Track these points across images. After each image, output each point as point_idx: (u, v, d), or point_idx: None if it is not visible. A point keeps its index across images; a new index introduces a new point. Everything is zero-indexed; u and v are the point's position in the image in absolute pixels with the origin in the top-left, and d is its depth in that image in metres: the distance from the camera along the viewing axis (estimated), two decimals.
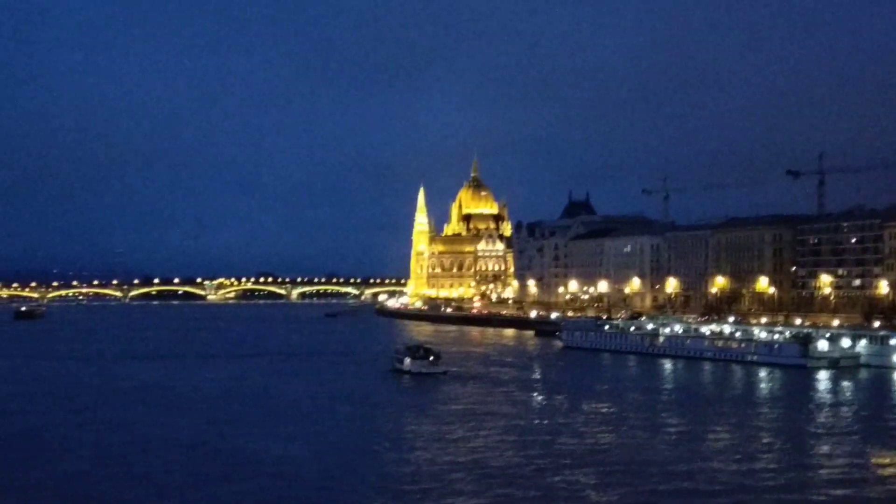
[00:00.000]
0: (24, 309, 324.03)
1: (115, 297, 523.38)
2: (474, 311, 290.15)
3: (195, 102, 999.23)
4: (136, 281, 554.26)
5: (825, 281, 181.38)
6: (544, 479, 54.85)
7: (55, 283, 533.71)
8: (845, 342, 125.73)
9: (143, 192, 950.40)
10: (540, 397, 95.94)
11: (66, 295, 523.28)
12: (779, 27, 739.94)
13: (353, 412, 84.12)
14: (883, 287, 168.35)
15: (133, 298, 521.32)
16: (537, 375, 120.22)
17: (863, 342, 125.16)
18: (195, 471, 57.13)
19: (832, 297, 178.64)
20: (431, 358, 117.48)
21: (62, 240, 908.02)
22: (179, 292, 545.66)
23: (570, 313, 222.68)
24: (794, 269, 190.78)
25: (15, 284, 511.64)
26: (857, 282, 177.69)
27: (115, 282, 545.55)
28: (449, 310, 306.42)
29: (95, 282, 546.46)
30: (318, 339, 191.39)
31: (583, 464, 59.23)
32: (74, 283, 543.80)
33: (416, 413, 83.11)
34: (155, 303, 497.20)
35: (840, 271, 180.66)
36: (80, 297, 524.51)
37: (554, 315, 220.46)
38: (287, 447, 64.73)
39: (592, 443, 67.21)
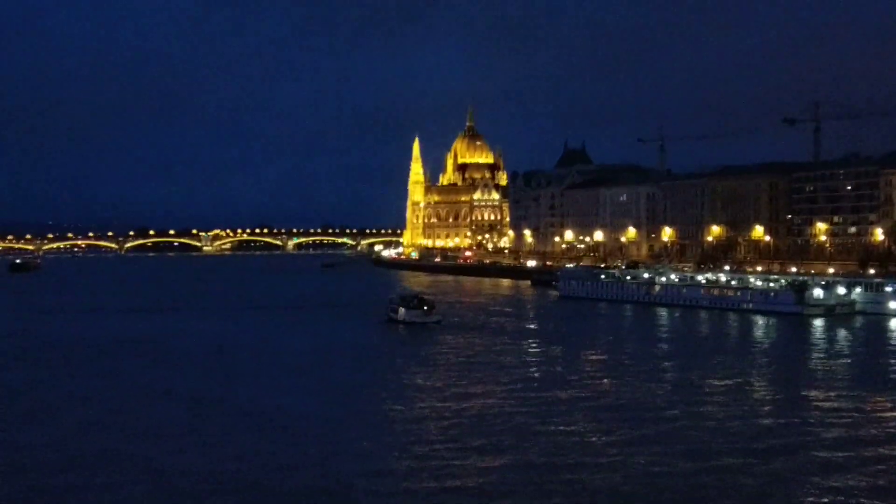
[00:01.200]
0: (18, 261, 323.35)
1: (111, 248, 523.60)
2: (460, 260, 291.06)
3: (195, 51, 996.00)
4: (131, 233, 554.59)
5: (821, 228, 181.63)
6: (544, 427, 55.14)
7: (50, 235, 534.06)
8: (840, 290, 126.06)
9: (140, 144, 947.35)
10: (536, 346, 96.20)
11: (62, 247, 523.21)
12: None
13: (351, 364, 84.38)
14: (878, 234, 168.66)
15: (128, 250, 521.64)
16: (533, 325, 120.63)
17: (858, 289, 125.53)
18: (197, 425, 57.12)
19: (828, 245, 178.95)
20: (425, 307, 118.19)
21: (57, 191, 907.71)
22: (175, 244, 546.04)
23: (568, 263, 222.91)
24: (789, 216, 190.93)
25: (10, 236, 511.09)
26: (853, 229, 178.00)
27: (110, 233, 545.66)
28: (437, 259, 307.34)
29: (91, 233, 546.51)
30: (314, 290, 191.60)
31: (579, 412, 59.57)
32: (70, 234, 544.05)
33: (414, 364, 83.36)
34: (151, 254, 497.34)
35: (835, 219, 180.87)
36: (76, 249, 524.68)
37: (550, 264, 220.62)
38: (288, 400, 64.84)
39: (589, 392, 67.43)
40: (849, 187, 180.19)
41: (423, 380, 74.18)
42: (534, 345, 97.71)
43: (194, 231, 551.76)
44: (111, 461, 48.51)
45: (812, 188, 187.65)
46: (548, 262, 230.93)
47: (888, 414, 59.83)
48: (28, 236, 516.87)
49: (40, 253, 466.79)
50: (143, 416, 59.80)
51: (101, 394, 68.61)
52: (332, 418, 58.80)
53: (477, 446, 50.73)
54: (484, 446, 50.74)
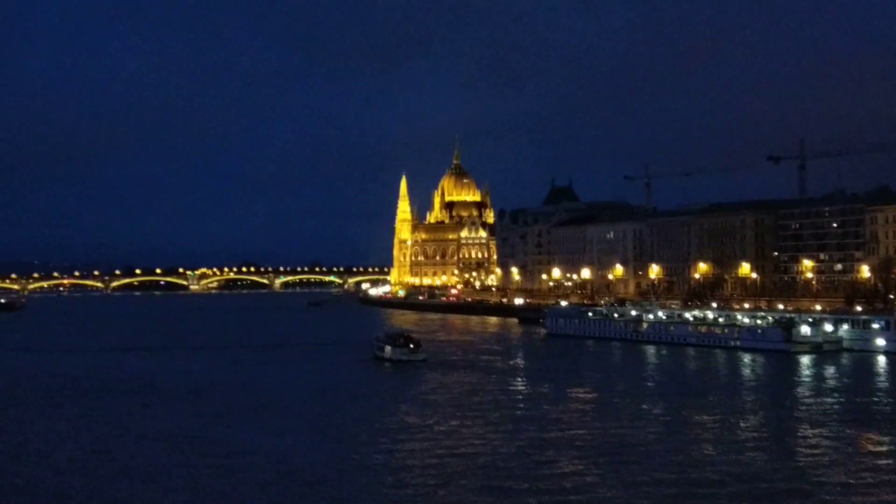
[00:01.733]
0: (2, 301, 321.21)
1: (97, 287, 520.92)
2: (443, 298, 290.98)
3: (181, 89, 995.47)
4: (117, 271, 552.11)
5: (807, 265, 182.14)
6: (533, 468, 54.70)
7: (36, 275, 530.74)
8: (827, 327, 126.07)
9: (126, 181, 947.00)
10: (525, 385, 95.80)
11: (47, 286, 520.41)
12: (760, 14, 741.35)
13: (338, 403, 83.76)
14: (864, 271, 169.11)
15: (115, 289, 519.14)
16: (521, 363, 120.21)
17: (845, 326, 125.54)
18: (183, 466, 56.37)
19: (814, 282, 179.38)
20: (412, 346, 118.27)
21: (43, 230, 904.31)
22: (162, 282, 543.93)
23: (555, 301, 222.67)
24: (776, 254, 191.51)
25: None
26: (839, 266, 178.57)
27: (96, 272, 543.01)
28: (420, 297, 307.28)
29: (77, 273, 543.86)
30: (301, 329, 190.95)
31: (569, 452, 59.21)
32: (55, 274, 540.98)
33: (403, 403, 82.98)
34: (137, 293, 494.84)
35: (822, 256, 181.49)
36: (62, 289, 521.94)
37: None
38: (276, 440, 64.25)
39: (578, 431, 66.99)
40: (834, 224, 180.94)
41: (413, 419, 73.62)
42: (522, 383, 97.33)
43: (181, 270, 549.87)
44: (95, 500, 47.92)
45: (798, 225, 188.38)
46: (531, 301, 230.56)
47: (877, 452, 59.59)
48: (13, 276, 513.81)
49: (26, 292, 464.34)
50: (127, 457, 59.09)
51: (85, 434, 67.91)
52: (319, 460, 58.17)
53: (467, 488, 50.21)
54: (475, 488, 50.19)
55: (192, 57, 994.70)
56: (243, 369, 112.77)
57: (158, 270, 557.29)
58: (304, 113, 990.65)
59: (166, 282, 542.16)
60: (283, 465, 56.05)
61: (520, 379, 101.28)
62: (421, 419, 73.39)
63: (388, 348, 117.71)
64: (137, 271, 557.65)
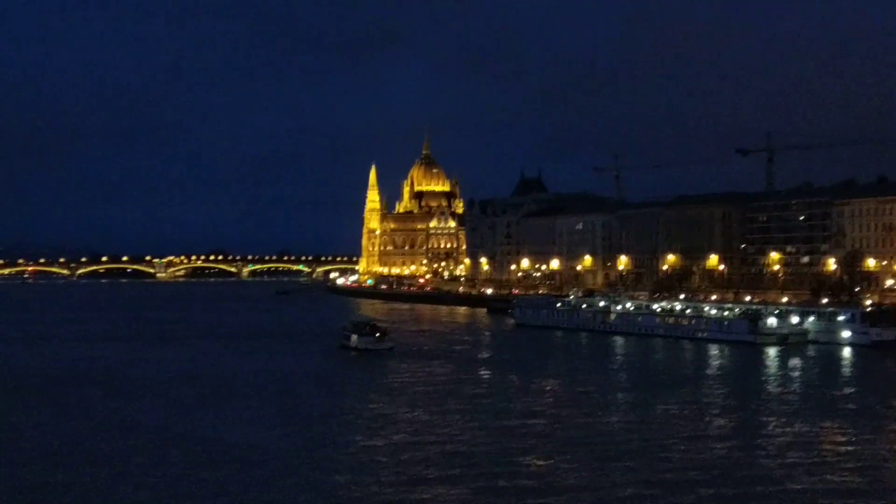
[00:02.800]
0: None
1: (63, 275, 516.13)
2: (404, 288, 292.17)
3: (152, 76, 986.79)
4: (83, 259, 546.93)
5: (774, 258, 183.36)
6: (503, 458, 54.65)
7: (0, 261, 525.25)
8: (794, 319, 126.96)
9: (93, 168, 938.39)
10: (492, 375, 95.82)
11: (11, 273, 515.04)
12: (729, 8, 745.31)
13: (305, 392, 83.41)
14: (831, 264, 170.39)
15: (81, 276, 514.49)
16: (489, 353, 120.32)
17: (811, 318, 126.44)
18: (152, 457, 55.55)
19: (781, 274, 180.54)
20: (377, 334, 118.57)
21: (7, 216, 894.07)
22: (128, 270, 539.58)
23: (521, 291, 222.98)
24: (743, 246, 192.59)
25: None
26: (806, 258, 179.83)
27: (62, 259, 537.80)
28: (382, 287, 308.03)
29: (42, 259, 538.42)
30: (269, 318, 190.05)
31: (539, 442, 59.25)
32: (20, 260, 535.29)
33: (370, 392, 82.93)
34: (103, 281, 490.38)
35: (788, 248, 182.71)
36: (26, 276, 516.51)
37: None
38: (245, 431, 63.72)
39: (547, 421, 67.05)
40: (801, 217, 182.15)
41: (383, 409, 73.46)
42: (490, 373, 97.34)
43: (148, 258, 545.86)
44: (66, 494, 47.28)
45: (765, 218, 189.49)
46: (508, 291, 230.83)
47: (841, 442, 60.01)
48: None
49: None
50: (97, 448, 58.28)
51: (54, 425, 66.85)
52: (289, 450, 57.63)
53: (434, 477, 50.11)
54: (443, 478, 50.06)
55: (163, 44, 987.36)
56: (211, 359, 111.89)
57: (125, 258, 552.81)
58: (275, 102, 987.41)
59: (133, 269, 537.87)
60: (253, 456, 55.53)
61: (488, 369, 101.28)
62: (388, 409, 73.20)
63: (354, 337, 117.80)
64: (104, 259, 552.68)
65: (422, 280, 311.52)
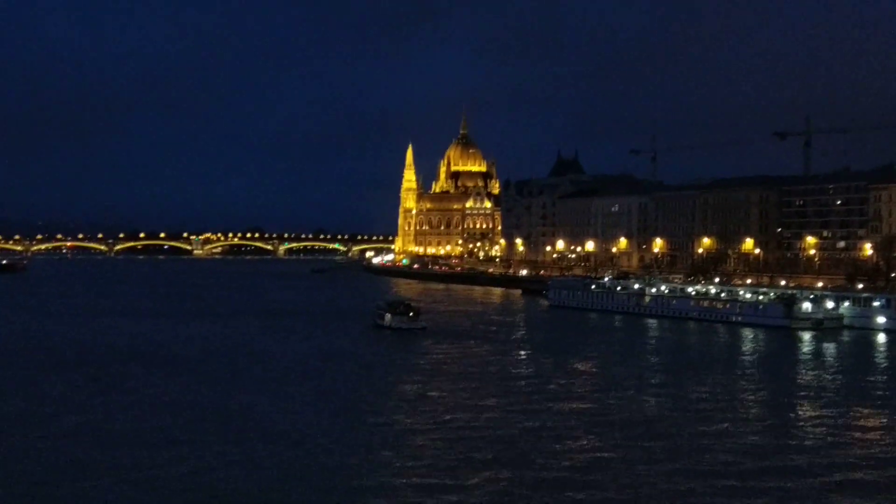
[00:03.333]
0: (4, 262, 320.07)
1: (100, 250, 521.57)
2: (436, 268, 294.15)
3: (192, 53, 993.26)
4: (121, 235, 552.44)
5: (810, 242, 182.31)
6: (539, 441, 55.28)
7: (39, 236, 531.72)
8: (829, 304, 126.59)
9: (132, 144, 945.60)
10: (526, 356, 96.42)
11: (50, 248, 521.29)
12: None
13: (340, 370, 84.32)
14: (867, 249, 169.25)
15: (118, 252, 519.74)
16: (522, 334, 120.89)
17: (846, 304, 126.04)
18: (189, 433, 56.60)
19: (817, 259, 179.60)
20: (411, 314, 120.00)
21: (48, 192, 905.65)
22: (165, 247, 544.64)
23: (556, 272, 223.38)
24: (779, 230, 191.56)
25: None
26: (842, 243, 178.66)
27: (100, 235, 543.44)
28: (415, 266, 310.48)
29: (80, 235, 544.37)
30: (304, 297, 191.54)
31: (574, 426, 59.72)
32: (59, 236, 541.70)
33: (405, 372, 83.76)
34: (140, 257, 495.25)
35: (825, 233, 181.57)
36: (65, 251, 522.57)
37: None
38: (282, 409, 64.48)
39: (582, 405, 67.51)
40: (838, 202, 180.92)
41: (418, 389, 73.99)
42: (524, 355, 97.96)
43: (185, 234, 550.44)
44: (103, 469, 48.25)
45: (802, 202, 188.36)
46: (543, 272, 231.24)
47: (875, 428, 60.20)
48: (17, 237, 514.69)
49: (29, 254, 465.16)
50: (134, 424, 59.29)
51: (91, 400, 67.98)
52: (323, 429, 58.47)
53: (470, 461, 50.61)
54: (478, 461, 50.51)
55: (204, 22, 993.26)
56: (247, 336, 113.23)
57: (162, 235, 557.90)
58: (313, 80, 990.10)
59: (170, 246, 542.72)
60: (289, 435, 56.39)
61: (522, 350, 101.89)
62: (423, 389, 73.87)
63: (387, 316, 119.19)
64: (141, 235, 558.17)
65: (455, 260, 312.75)
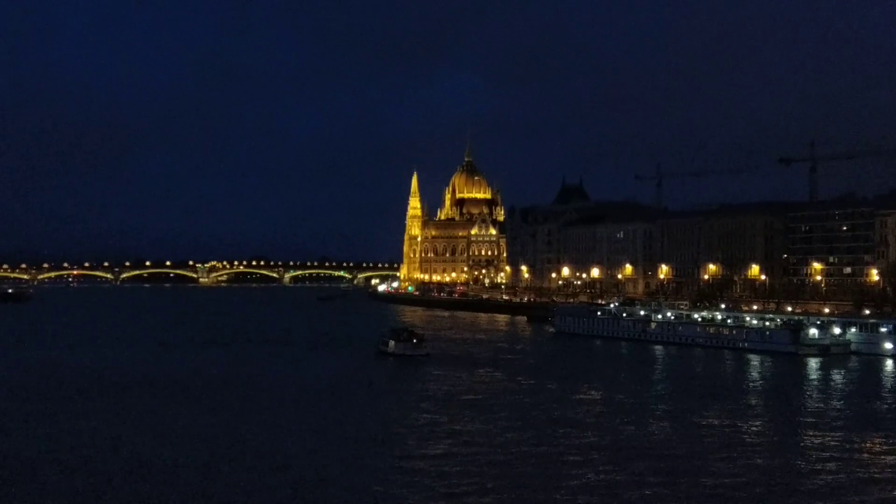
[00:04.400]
0: (9, 291, 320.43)
1: (106, 278, 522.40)
2: (434, 294, 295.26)
3: (196, 82, 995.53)
4: (127, 263, 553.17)
5: (816, 268, 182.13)
6: (545, 468, 55.05)
7: (45, 265, 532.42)
8: (836, 330, 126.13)
9: (138, 173, 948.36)
10: (531, 384, 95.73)
11: (56, 276, 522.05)
12: (773, 17, 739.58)
13: (347, 399, 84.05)
14: (874, 275, 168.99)
15: (124, 281, 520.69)
16: (528, 361, 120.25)
17: (853, 330, 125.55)
18: (203, 463, 56.39)
19: (823, 285, 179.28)
20: (415, 340, 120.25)
21: (54, 221, 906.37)
22: (171, 275, 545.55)
23: (561, 299, 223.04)
24: (785, 256, 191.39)
25: (5, 265, 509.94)
26: (848, 269, 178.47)
27: (106, 264, 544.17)
28: (416, 293, 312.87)
29: (86, 263, 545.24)
30: (310, 324, 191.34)
31: (573, 454, 59.35)
32: (65, 264, 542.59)
33: (410, 400, 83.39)
34: (146, 285, 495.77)
35: (831, 259, 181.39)
36: (70, 279, 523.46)
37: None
38: (288, 438, 64.20)
39: (584, 431, 67.17)
40: (844, 228, 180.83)
41: (423, 418, 73.73)
42: (529, 382, 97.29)
43: (191, 262, 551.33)
44: (109, 500, 48.02)
45: (808, 228, 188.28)
46: (548, 299, 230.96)
47: (883, 455, 59.79)
48: (23, 265, 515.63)
49: (35, 282, 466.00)
50: (141, 454, 58.97)
51: (96, 430, 67.51)
52: (328, 457, 58.28)
53: (474, 490, 50.38)
54: (482, 489, 50.33)
55: (210, 53, 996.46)
56: (254, 364, 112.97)
57: (168, 263, 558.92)
58: (318, 108, 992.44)
59: (175, 274, 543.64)
60: (295, 463, 56.23)
61: (527, 378, 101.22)
62: (429, 417, 73.60)
63: (391, 343, 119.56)
64: (147, 263, 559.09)
65: (460, 287, 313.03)
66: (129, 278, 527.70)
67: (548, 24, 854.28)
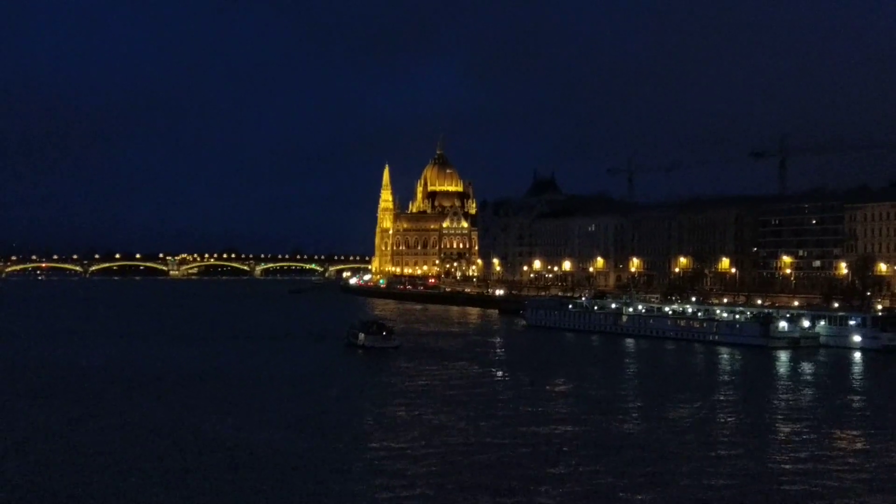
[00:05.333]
0: None
1: (76, 271, 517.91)
2: (400, 287, 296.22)
3: (165, 73, 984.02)
4: (96, 256, 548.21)
5: (786, 261, 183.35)
6: (516, 461, 54.99)
7: (14, 258, 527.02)
8: (805, 322, 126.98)
9: (107, 165, 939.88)
10: (502, 377, 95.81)
11: (25, 269, 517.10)
12: (744, 13, 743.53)
13: (316, 392, 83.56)
14: (843, 268, 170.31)
15: (93, 273, 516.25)
16: (499, 354, 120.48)
17: (822, 323, 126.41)
18: (171, 459, 55.73)
19: (793, 278, 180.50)
20: (384, 333, 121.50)
21: (23, 212, 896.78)
22: (141, 268, 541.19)
23: (533, 292, 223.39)
24: (755, 249, 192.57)
25: None
26: (818, 263, 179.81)
27: (75, 256, 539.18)
28: (381, 286, 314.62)
29: (55, 256, 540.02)
30: (281, 317, 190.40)
31: (543, 447, 59.32)
32: (34, 257, 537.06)
33: (381, 393, 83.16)
34: (116, 278, 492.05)
35: (801, 252, 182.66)
36: (39, 272, 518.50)
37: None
38: (259, 433, 63.56)
39: (555, 425, 67.07)
40: (814, 221, 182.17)
41: (395, 411, 73.51)
42: (500, 375, 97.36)
43: (161, 255, 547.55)
44: (77, 498, 47.47)
45: (778, 221, 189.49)
46: (520, 292, 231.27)
47: (851, 448, 60.20)
48: None
49: (3, 275, 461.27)
50: (112, 451, 58.21)
51: (67, 426, 66.65)
52: (298, 453, 57.82)
53: (442, 484, 50.25)
54: (451, 484, 50.17)
55: (176, 42, 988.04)
56: (224, 358, 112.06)
57: (138, 255, 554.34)
58: (291, 100, 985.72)
59: (146, 267, 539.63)
60: (266, 459, 55.76)
61: (498, 370, 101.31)
62: (400, 411, 73.36)
63: (361, 335, 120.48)
64: (117, 256, 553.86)
65: (432, 280, 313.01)
66: (98, 271, 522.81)
67: (522, 19, 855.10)
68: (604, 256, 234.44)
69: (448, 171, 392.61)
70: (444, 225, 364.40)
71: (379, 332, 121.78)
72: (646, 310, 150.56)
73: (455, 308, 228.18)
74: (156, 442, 60.70)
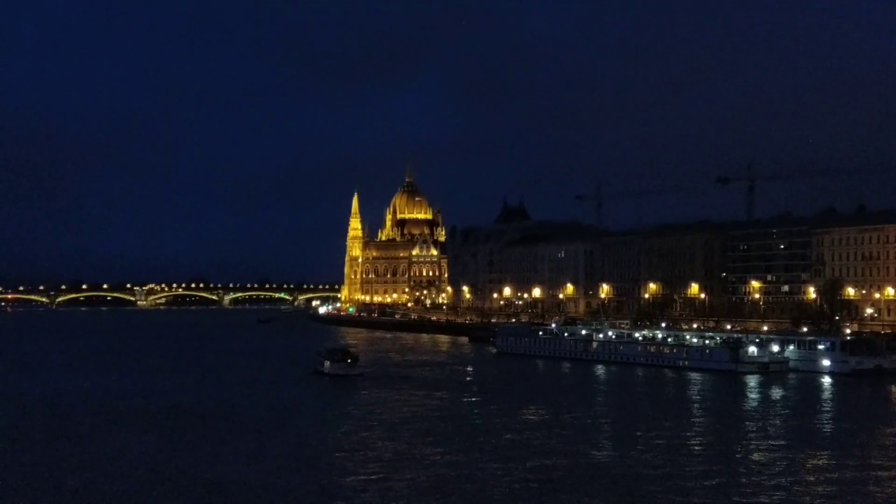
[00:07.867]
0: None
1: (42, 302, 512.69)
2: (363, 314, 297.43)
3: (130, 105, 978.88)
4: (63, 286, 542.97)
5: (754, 286, 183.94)
6: (481, 487, 54.06)
7: None
8: (774, 347, 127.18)
9: (73, 195, 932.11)
10: (472, 405, 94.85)
11: None
12: (711, 41, 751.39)
13: (284, 423, 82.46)
14: (811, 292, 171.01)
15: (60, 304, 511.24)
16: (469, 381, 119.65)
17: (791, 347, 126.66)
18: (144, 494, 54.64)
19: (761, 303, 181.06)
20: (349, 360, 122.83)
21: None
22: (108, 298, 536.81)
23: (503, 319, 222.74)
24: (724, 274, 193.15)
25: None
26: (786, 287, 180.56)
27: (41, 287, 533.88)
28: (341, 313, 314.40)
29: (21, 287, 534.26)
30: (250, 347, 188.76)
31: (515, 475, 58.59)
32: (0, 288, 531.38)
33: (348, 422, 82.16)
34: (83, 309, 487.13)
35: (769, 277, 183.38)
36: (4, 304, 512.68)
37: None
38: (227, 465, 62.49)
39: (524, 453, 66.30)
40: (782, 246, 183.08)
41: (362, 441, 72.55)
42: (470, 402, 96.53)
43: (128, 285, 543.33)
44: None
45: (746, 247, 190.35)
46: (490, 319, 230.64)
47: (820, 471, 59.90)
48: None
49: None
50: (82, 482, 57.21)
51: (38, 459, 65.28)
52: (266, 485, 56.92)
53: None
54: None
55: (150, 71, 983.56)
56: (192, 389, 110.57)
57: (105, 286, 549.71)
58: (260, 129, 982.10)
59: (113, 297, 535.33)
60: (235, 491, 54.81)
61: (465, 398, 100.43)
62: (368, 441, 72.41)
63: (327, 363, 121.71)
64: (84, 286, 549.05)
65: (406, 306, 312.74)
66: (64, 302, 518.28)
67: (491, 49, 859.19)
68: (573, 283, 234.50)
69: (417, 198, 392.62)
70: (414, 252, 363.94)
71: (344, 359, 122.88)
72: (616, 336, 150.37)
73: (425, 336, 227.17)
74: (128, 477, 59.30)
